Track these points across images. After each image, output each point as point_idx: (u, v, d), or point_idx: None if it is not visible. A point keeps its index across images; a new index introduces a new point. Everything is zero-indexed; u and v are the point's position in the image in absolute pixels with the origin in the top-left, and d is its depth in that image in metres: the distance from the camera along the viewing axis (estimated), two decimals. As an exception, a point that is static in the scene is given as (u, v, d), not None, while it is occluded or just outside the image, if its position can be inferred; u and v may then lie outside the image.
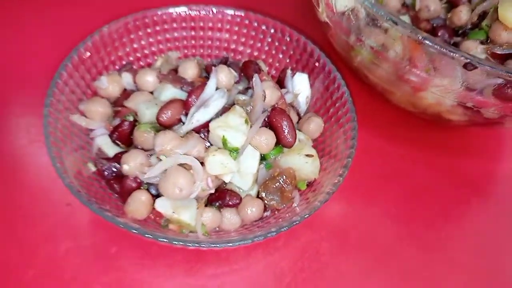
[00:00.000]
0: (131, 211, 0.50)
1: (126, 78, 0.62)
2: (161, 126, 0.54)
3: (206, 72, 0.63)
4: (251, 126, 0.53)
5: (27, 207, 0.58)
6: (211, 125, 0.52)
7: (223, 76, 0.57)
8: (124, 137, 0.55)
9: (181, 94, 0.58)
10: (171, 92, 0.58)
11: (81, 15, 0.73)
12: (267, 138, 0.53)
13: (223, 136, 0.50)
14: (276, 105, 0.57)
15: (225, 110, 0.54)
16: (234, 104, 0.56)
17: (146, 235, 0.45)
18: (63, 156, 0.51)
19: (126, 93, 0.61)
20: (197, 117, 0.53)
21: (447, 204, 0.66)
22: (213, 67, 0.57)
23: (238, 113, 0.53)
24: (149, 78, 0.60)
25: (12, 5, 0.78)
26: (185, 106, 0.54)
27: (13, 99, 0.67)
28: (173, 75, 0.60)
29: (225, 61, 0.64)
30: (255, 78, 0.55)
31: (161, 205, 0.50)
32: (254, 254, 0.57)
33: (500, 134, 0.75)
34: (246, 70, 0.61)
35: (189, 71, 0.60)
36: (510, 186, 0.69)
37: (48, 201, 0.58)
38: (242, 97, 0.56)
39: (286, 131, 0.54)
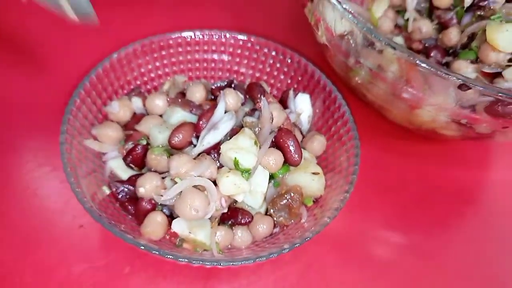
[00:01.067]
0: (148, 232, 0.52)
1: (136, 103, 0.64)
2: (173, 149, 0.56)
3: (212, 95, 0.65)
4: (259, 147, 0.55)
5: (39, 231, 0.58)
6: (222, 147, 0.54)
7: (231, 99, 0.59)
8: (138, 160, 0.56)
9: (190, 117, 0.60)
10: (180, 115, 0.60)
11: (91, 43, 0.75)
12: (275, 158, 0.56)
13: (235, 158, 0.52)
14: (282, 126, 0.60)
15: (233, 131, 0.57)
16: (242, 125, 0.58)
17: (167, 256, 0.46)
18: (79, 181, 0.52)
19: (136, 117, 0.62)
20: (208, 140, 0.55)
21: (443, 214, 0.68)
22: (221, 91, 0.59)
23: (247, 135, 0.55)
24: (158, 102, 0.61)
25: (24, 33, 0.79)
26: (196, 129, 0.56)
27: (21, 123, 0.68)
28: (181, 99, 0.62)
29: (230, 84, 0.66)
30: (263, 101, 0.58)
31: (178, 226, 0.52)
32: (264, 268, 0.59)
33: (490, 146, 0.79)
34: (251, 92, 0.64)
35: (197, 94, 0.62)
36: (501, 193, 0.72)
37: (61, 224, 0.59)
38: (250, 119, 0.58)
39: (292, 150, 0.57)
